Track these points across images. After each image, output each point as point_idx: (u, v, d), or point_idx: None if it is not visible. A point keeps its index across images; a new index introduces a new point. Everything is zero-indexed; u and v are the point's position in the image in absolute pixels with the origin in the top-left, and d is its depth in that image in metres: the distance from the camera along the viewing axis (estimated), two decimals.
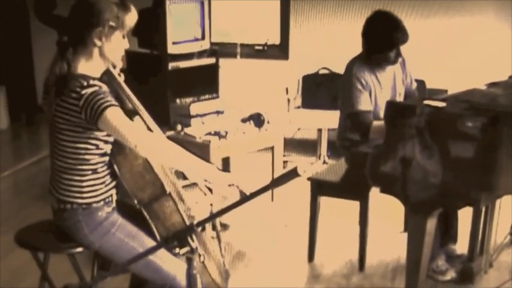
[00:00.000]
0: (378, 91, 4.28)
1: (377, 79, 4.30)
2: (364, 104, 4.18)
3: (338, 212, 5.00)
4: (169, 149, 2.89)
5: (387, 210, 4.37)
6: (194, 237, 2.26)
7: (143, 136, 2.87)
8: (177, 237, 2.25)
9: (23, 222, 3.44)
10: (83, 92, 2.79)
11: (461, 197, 3.41)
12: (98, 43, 2.88)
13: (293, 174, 2.06)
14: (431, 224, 3.58)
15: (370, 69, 4.28)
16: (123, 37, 2.95)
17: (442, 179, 3.34)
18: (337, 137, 4.56)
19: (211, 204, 3.19)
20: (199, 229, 2.28)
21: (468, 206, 3.60)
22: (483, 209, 4.01)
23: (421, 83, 5.92)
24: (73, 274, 3.50)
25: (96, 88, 2.81)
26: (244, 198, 2.24)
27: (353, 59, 4.34)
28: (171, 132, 4.87)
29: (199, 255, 2.32)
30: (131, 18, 2.94)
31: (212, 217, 2.33)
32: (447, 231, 4.32)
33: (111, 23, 2.87)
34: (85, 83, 2.81)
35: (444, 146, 3.33)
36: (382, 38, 4.19)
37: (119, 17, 2.88)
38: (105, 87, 2.88)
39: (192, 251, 2.25)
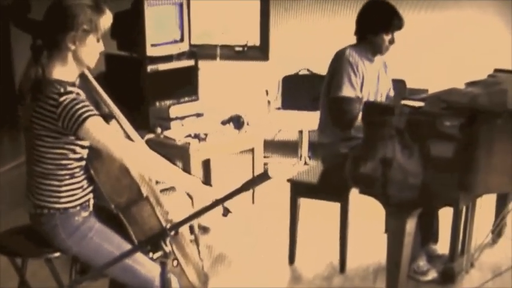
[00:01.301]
0: (366, 80, 4.27)
1: (365, 67, 4.29)
2: (351, 91, 4.17)
3: (319, 213, 4.99)
4: (154, 161, 2.91)
5: (369, 211, 4.38)
6: (168, 241, 2.25)
7: (128, 148, 2.89)
8: (150, 242, 2.24)
9: (2, 227, 3.42)
10: (61, 99, 2.78)
11: (441, 196, 3.44)
12: (72, 47, 2.87)
13: (264, 176, 2.07)
14: (411, 224, 3.60)
15: (361, 56, 4.27)
16: (98, 40, 2.93)
17: (421, 179, 3.35)
18: (318, 135, 4.53)
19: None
20: (173, 233, 2.27)
21: (448, 206, 3.61)
22: (463, 209, 4.02)
23: (401, 83, 5.95)
24: (52, 279, 3.48)
25: (73, 95, 2.80)
26: (216, 202, 2.25)
27: (344, 47, 4.33)
28: (150, 135, 4.87)
29: (173, 260, 2.31)
30: (105, 21, 2.92)
31: (185, 221, 2.32)
32: (428, 231, 4.32)
33: (85, 27, 2.85)
34: (62, 90, 2.80)
35: (423, 145, 3.35)
36: (379, 20, 4.22)
37: (93, 20, 2.86)
38: (82, 94, 2.87)
39: (166, 255, 2.24)
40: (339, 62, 4.25)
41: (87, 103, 2.83)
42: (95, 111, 2.83)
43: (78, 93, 2.84)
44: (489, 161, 3.31)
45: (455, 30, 6.53)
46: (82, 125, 2.76)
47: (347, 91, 4.15)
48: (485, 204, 4.17)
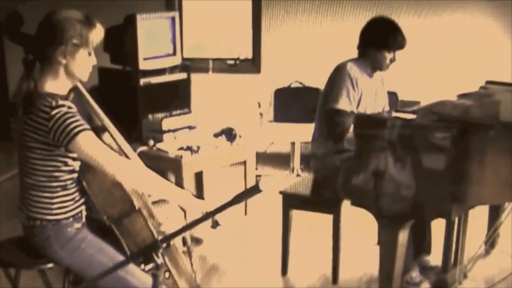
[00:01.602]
0: (364, 95, 4.27)
1: (365, 82, 4.28)
2: (348, 105, 4.16)
3: (312, 224, 4.99)
4: (147, 177, 2.94)
5: (361, 223, 4.39)
6: (160, 253, 2.26)
7: (120, 164, 2.90)
8: (142, 254, 2.25)
9: None
10: (53, 112, 2.79)
11: (433, 208, 3.43)
12: (63, 61, 2.89)
13: (255, 190, 2.09)
14: (403, 236, 3.60)
15: (361, 71, 4.27)
16: (89, 54, 2.95)
17: (413, 191, 3.36)
18: (311, 146, 4.54)
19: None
20: (164, 245, 2.29)
21: (440, 218, 3.61)
22: (456, 220, 4.01)
23: (393, 95, 5.94)
24: None
25: (65, 109, 2.82)
26: (207, 215, 2.27)
27: (345, 61, 4.31)
28: (143, 148, 4.89)
29: (165, 271, 2.33)
30: (96, 34, 2.93)
31: (176, 233, 2.34)
32: (420, 242, 4.31)
33: (74, 41, 2.87)
34: (53, 103, 2.81)
35: (414, 158, 3.35)
36: (383, 36, 4.22)
37: (83, 35, 2.88)
38: (74, 108, 2.88)
39: (158, 267, 2.26)
40: (339, 74, 4.24)
41: (78, 117, 2.84)
42: (87, 126, 2.85)
43: (70, 107, 2.85)
44: (481, 172, 3.31)
45: (446, 41, 6.55)
46: (73, 139, 2.78)
47: (343, 104, 4.15)
48: (478, 215, 4.15)
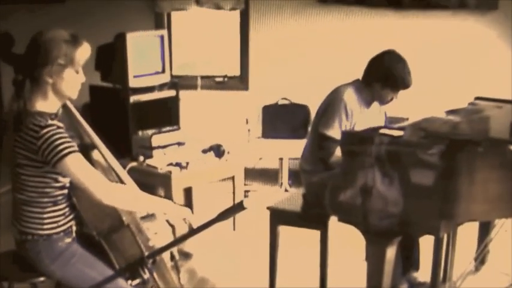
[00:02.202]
0: (357, 125, 4.20)
1: (361, 112, 4.23)
2: (339, 132, 4.07)
3: (300, 240, 4.96)
4: (130, 197, 3.01)
5: (350, 238, 4.31)
6: (146, 268, 2.32)
7: (107, 189, 2.93)
8: (129, 269, 2.30)
9: None
10: (42, 132, 2.85)
11: (421, 225, 3.39)
12: (50, 80, 2.93)
13: (239, 207, 2.16)
14: (391, 252, 3.56)
15: (359, 100, 4.22)
16: (77, 72, 2.98)
17: (401, 207, 3.33)
18: (300, 161, 4.48)
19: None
20: (151, 261, 2.35)
21: (428, 234, 3.53)
22: (445, 236, 3.91)
23: None
24: None
25: (54, 128, 2.87)
26: (193, 231, 2.34)
27: (344, 85, 4.28)
28: (133, 164, 4.94)
29: (152, 287, 2.38)
30: (82, 53, 2.97)
31: (162, 249, 2.42)
32: (409, 258, 4.30)
33: (60, 61, 2.91)
34: (42, 123, 2.87)
35: (402, 174, 3.32)
36: (391, 77, 4.12)
37: (68, 54, 2.92)
38: (63, 127, 2.93)
39: (144, 281, 2.31)
40: (335, 100, 4.19)
41: (67, 138, 2.89)
42: (75, 148, 2.90)
43: (59, 127, 2.90)
44: (470, 189, 3.27)
45: (434, 58, 6.56)
46: (61, 160, 2.84)
47: (334, 132, 4.11)
48: (468, 231, 4.13)
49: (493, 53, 6.51)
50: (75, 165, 2.86)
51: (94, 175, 2.92)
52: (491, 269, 4.63)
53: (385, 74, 4.14)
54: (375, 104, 4.32)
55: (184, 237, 2.42)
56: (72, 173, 2.88)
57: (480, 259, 4.57)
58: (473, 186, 3.26)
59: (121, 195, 2.99)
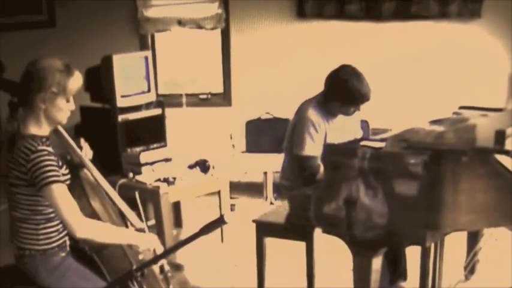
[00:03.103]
0: (330, 135, 4.21)
1: (329, 124, 4.24)
2: (313, 149, 4.12)
3: (288, 251, 4.94)
4: (102, 231, 3.11)
5: (336, 248, 4.01)
6: (136, 281, 2.44)
7: (80, 222, 3.02)
8: (118, 283, 2.44)
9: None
10: (32, 156, 2.98)
11: (406, 236, 3.36)
12: (43, 106, 3.07)
13: (220, 222, 2.27)
14: (376, 262, 3.51)
15: (324, 113, 4.22)
16: (67, 100, 3.11)
17: (386, 218, 3.30)
18: (280, 177, 4.53)
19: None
20: (139, 274, 2.48)
21: (415, 245, 3.49)
22: (432, 246, 3.84)
23: (364, 123, 5.82)
24: None
25: (43, 155, 3.00)
26: (178, 245, 2.46)
27: (307, 101, 4.28)
28: (123, 180, 5.06)
29: None
30: (74, 83, 3.10)
31: (150, 263, 2.55)
32: (396, 268, 4.31)
33: (53, 89, 3.04)
34: (33, 147, 3.00)
35: (385, 186, 3.30)
36: (349, 93, 4.10)
37: (61, 83, 3.04)
38: (52, 153, 3.05)
39: None
40: (301, 119, 4.20)
41: (54, 166, 3.01)
42: (60, 177, 3.01)
43: (49, 152, 3.03)
44: (455, 199, 3.21)
45: (416, 69, 6.59)
46: (46, 187, 2.96)
47: (309, 150, 4.14)
48: (457, 240, 4.10)
49: (476, 61, 6.49)
50: (56, 194, 2.97)
51: (72, 208, 3.01)
52: (481, 278, 4.53)
53: (342, 91, 4.13)
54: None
55: (170, 251, 2.59)
56: (53, 201, 2.99)
57: (470, 268, 4.46)
58: (458, 196, 3.21)
59: (94, 230, 3.07)
